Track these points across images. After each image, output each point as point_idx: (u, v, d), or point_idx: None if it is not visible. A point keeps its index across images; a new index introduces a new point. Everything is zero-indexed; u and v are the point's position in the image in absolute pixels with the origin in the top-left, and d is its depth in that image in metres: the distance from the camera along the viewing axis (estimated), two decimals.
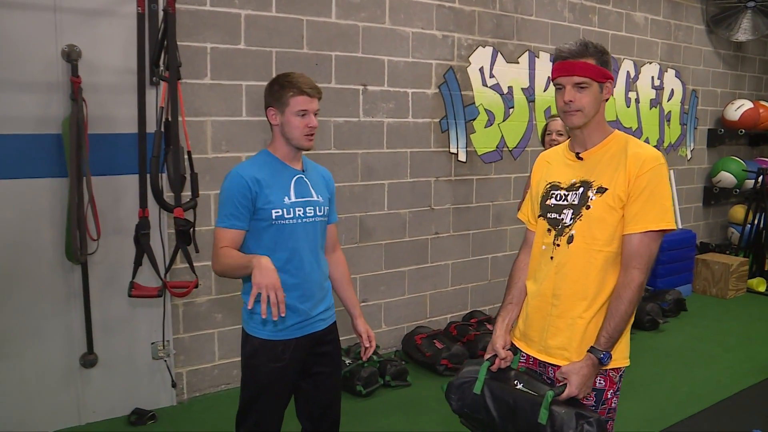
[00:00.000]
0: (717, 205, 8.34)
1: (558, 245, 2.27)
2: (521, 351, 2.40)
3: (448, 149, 5.48)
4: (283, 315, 2.30)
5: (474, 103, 5.61)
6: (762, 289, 7.42)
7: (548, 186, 2.37)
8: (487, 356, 2.40)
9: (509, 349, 2.40)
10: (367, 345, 2.84)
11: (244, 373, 2.69)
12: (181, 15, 3.92)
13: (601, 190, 2.19)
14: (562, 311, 2.25)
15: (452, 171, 5.53)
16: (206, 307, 4.39)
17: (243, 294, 2.67)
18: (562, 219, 2.27)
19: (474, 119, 5.62)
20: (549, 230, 2.31)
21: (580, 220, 2.22)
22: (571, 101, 2.20)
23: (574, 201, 2.25)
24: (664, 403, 4.48)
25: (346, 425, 3.92)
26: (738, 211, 8.17)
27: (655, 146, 7.05)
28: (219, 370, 4.48)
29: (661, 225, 2.14)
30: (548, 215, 2.32)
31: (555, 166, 2.39)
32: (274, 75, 2.72)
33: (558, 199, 2.31)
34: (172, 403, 4.26)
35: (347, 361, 4.54)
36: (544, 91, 6.09)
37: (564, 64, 2.20)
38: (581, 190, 2.25)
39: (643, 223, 2.14)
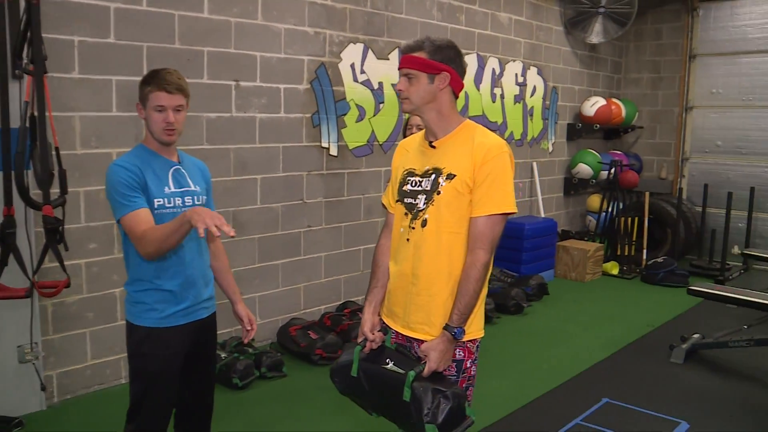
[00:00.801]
0: (576, 195, 8.89)
1: (413, 228, 2.44)
2: (391, 328, 2.56)
3: (319, 144, 5.59)
4: (233, 234, 2.32)
5: (345, 98, 5.75)
6: (615, 272, 8.00)
7: (405, 172, 2.53)
8: (358, 340, 2.55)
9: (380, 330, 2.56)
10: (249, 328, 2.93)
11: (132, 366, 2.70)
12: (46, 5, 3.81)
13: (451, 177, 2.37)
14: (421, 289, 2.43)
15: (324, 165, 5.65)
16: (77, 306, 4.29)
17: (126, 286, 2.69)
18: (417, 204, 2.44)
19: (345, 114, 5.76)
20: (406, 214, 2.47)
21: (432, 204, 2.39)
22: (400, 90, 2.42)
23: (427, 187, 2.42)
24: (527, 380, 4.79)
25: (224, 418, 4.00)
26: (594, 200, 8.76)
27: (518, 140, 7.48)
28: (92, 370, 4.40)
29: (503, 208, 2.35)
30: (405, 200, 2.49)
31: (412, 153, 2.57)
32: (145, 70, 2.74)
33: (413, 185, 2.47)
34: (42, 408, 4.13)
35: (222, 355, 4.57)
36: None
37: (401, 58, 2.42)
38: (433, 176, 2.42)
39: (487, 207, 2.34)
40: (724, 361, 5.29)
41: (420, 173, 2.47)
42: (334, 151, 5.71)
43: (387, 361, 2.43)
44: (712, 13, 9.05)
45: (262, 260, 5.27)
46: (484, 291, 2.44)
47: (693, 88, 9.25)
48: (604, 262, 8.04)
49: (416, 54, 2.38)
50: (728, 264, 8.25)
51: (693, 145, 9.28)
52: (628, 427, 4.09)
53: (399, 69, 2.45)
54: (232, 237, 2.31)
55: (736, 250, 7.89)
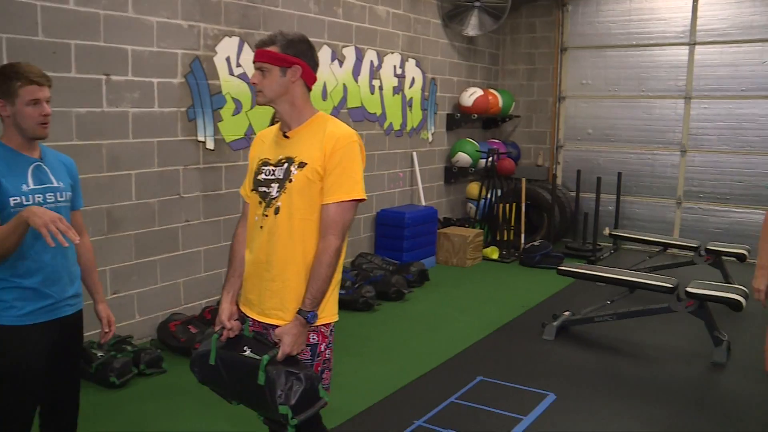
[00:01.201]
0: (457, 183, 9.16)
1: (267, 216, 2.50)
2: (248, 317, 2.61)
3: (196, 138, 5.54)
4: (77, 240, 2.31)
5: (221, 92, 5.72)
6: (495, 256, 8.31)
7: (260, 162, 2.59)
8: (216, 329, 2.59)
9: (237, 319, 2.61)
10: (107, 330, 2.92)
11: None
12: None
13: (302, 165, 2.46)
14: (275, 275, 2.50)
15: (201, 159, 5.60)
16: None
17: None
18: (270, 192, 2.50)
19: (221, 108, 5.73)
20: (260, 203, 2.54)
21: (285, 192, 2.47)
22: (254, 83, 2.49)
23: (279, 176, 2.50)
24: (406, 363, 4.93)
25: (100, 418, 3.94)
26: (473, 188, 9.05)
27: (398, 131, 7.64)
28: None
29: (352, 195, 2.46)
30: (259, 189, 2.55)
31: (267, 144, 2.63)
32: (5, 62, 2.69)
33: (267, 174, 2.54)
34: None
35: (99, 354, 4.49)
36: None
37: (255, 52, 2.50)
38: (286, 165, 2.50)
39: (337, 194, 2.44)
40: (591, 335, 5.62)
41: (274, 162, 2.54)
42: (210, 145, 5.67)
43: (244, 348, 2.49)
44: (579, 9, 9.51)
45: (139, 256, 5.18)
46: (338, 276, 2.54)
47: (565, 79, 9.70)
48: (485, 248, 8.34)
49: (269, 48, 2.46)
50: (600, 245, 8.74)
51: (566, 133, 9.74)
52: (499, 402, 4.29)
53: (253, 63, 2.52)
54: (76, 243, 2.32)
55: (606, 231, 8.35)
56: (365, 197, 2.50)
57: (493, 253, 8.33)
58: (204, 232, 5.68)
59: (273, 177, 2.51)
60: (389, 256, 7.27)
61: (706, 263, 7.05)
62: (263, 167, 2.56)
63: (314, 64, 2.55)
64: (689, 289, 5.15)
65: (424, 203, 8.10)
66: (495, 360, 5.06)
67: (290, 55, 2.46)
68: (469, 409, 4.19)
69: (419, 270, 6.91)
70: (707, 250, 6.99)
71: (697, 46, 8.81)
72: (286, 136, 2.55)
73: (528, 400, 4.34)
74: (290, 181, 2.46)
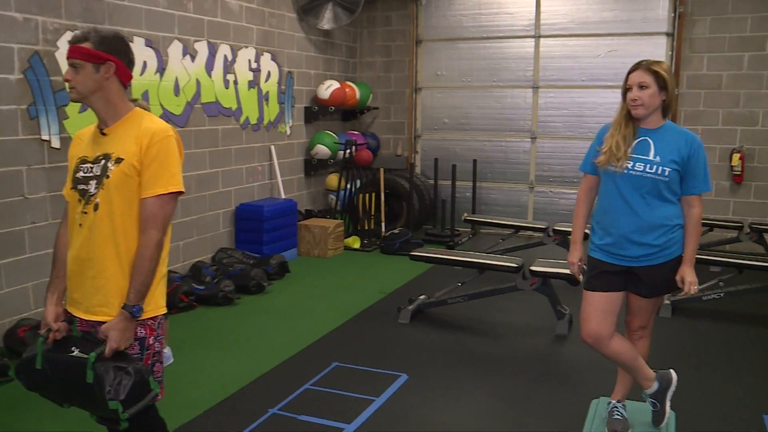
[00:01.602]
0: (317, 175, 9.22)
1: (86, 213, 2.48)
2: (75, 317, 2.57)
3: (39, 136, 5.31)
4: None
5: (65, 88, 5.51)
6: (357, 246, 8.45)
7: (78, 160, 2.57)
8: (41, 332, 2.54)
9: (65, 320, 2.56)
10: None
11: None
12: None
13: (119, 161, 2.46)
14: (97, 272, 2.48)
15: (46, 158, 5.38)
16: None
17: None
18: (89, 189, 2.49)
19: (67, 105, 5.51)
20: (79, 200, 2.52)
21: (103, 188, 2.46)
22: (67, 80, 2.48)
23: (97, 172, 2.49)
24: (264, 354, 4.95)
25: None
26: (333, 180, 9.15)
27: (255, 124, 7.61)
28: None
29: (170, 188, 2.48)
30: (78, 187, 2.53)
31: (85, 142, 2.61)
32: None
33: (85, 171, 2.53)
34: None
35: None
36: (141, 75, 6.18)
37: (68, 49, 2.48)
38: (103, 162, 2.49)
39: (155, 188, 2.46)
40: (445, 317, 5.84)
41: (91, 160, 2.53)
42: (56, 144, 5.44)
43: (72, 349, 2.45)
44: (433, 2, 9.79)
45: None
46: (162, 269, 2.55)
47: (421, 70, 9.96)
48: (346, 238, 8.46)
49: (82, 45, 2.45)
50: (458, 230, 9.06)
51: (423, 123, 10.02)
52: (353, 385, 4.40)
53: (66, 59, 2.50)
54: None
55: (465, 217, 8.66)
56: (183, 190, 2.53)
57: (355, 242, 8.47)
58: (52, 234, 5.39)
59: (91, 174, 2.50)
60: (250, 250, 7.25)
61: (554, 243, 7.45)
62: (81, 165, 2.55)
63: (129, 61, 2.56)
64: (533, 268, 5.45)
65: (283, 196, 8.11)
66: (351, 345, 5.17)
67: (103, 52, 2.45)
68: (323, 394, 4.27)
69: (279, 262, 6.94)
70: (554, 231, 7.40)
71: (541, 39, 9.29)
72: (103, 134, 2.55)
73: (381, 381, 4.47)
74: (107, 177, 2.45)
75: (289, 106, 8.51)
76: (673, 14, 8.68)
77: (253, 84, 7.79)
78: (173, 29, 6.54)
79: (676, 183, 3.28)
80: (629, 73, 3.32)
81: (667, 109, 3.34)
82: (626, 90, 3.31)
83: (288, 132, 8.51)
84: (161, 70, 6.35)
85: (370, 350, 5.08)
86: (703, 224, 7.90)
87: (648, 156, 3.26)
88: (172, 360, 4.69)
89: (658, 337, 5.43)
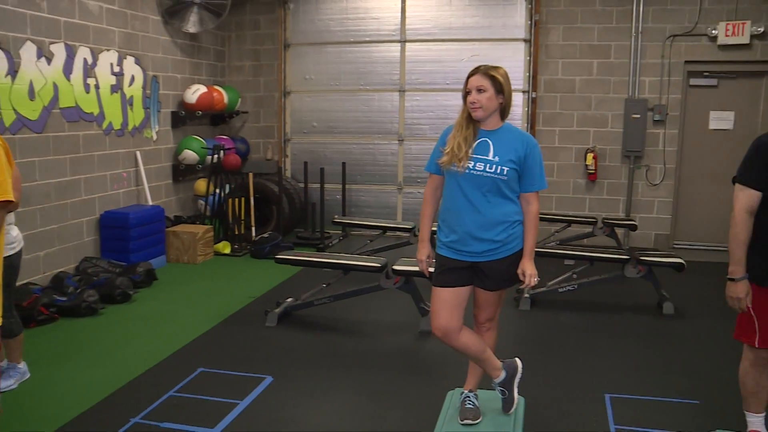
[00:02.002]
0: (185, 181, 9.12)
1: None
2: None
3: None
4: None
5: None
6: (227, 251, 8.44)
7: None
8: None
9: None
10: None
11: None
12: None
13: None
14: None
15: None
16: None
17: None
18: None
19: None
20: None
21: None
22: None
23: None
24: (127, 363, 4.89)
25: None
26: (201, 185, 9.08)
27: (119, 130, 7.45)
28: None
29: None
30: None
31: None
32: None
33: None
34: None
35: None
36: None
37: None
38: None
39: None
40: (312, 318, 5.96)
41: None
42: None
43: None
44: (300, 6, 9.88)
45: None
46: None
47: (289, 74, 10.03)
48: (216, 243, 8.43)
49: None
50: (329, 233, 9.20)
51: (293, 126, 10.10)
52: (218, 389, 4.44)
53: None
54: None
55: (335, 219, 8.80)
56: (12, 198, 2.51)
57: (225, 247, 8.45)
58: None
59: None
60: (117, 258, 7.11)
61: None
62: None
63: None
64: (396, 267, 5.64)
65: (151, 203, 7.98)
66: (217, 350, 5.20)
67: None
68: (187, 400, 4.29)
69: (146, 270, 6.84)
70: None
71: (407, 44, 9.58)
72: None
73: (246, 385, 4.53)
74: None
75: (155, 111, 8.37)
76: (529, 22, 9.17)
77: (116, 88, 7.62)
78: (25, 29, 6.29)
79: (515, 181, 3.52)
80: (468, 77, 3.54)
81: (504, 112, 3.58)
82: (466, 93, 3.53)
83: (154, 137, 8.38)
84: (13, 72, 6.11)
85: (236, 354, 5.13)
86: (561, 220, 8.44)
87: (488, 156, 3.48)
88: (28, 375, 4.55)
89: (518, 328, 5.81)
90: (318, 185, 9.22)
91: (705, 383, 4.66)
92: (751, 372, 3.46)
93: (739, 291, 3.29)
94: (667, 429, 3.99)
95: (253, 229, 8.81)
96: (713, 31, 8.58)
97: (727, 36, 8.51)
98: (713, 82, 8.84)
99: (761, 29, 8.44)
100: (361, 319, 6.01)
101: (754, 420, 3.52)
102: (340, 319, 6.00)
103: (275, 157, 10.05)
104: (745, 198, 3.26)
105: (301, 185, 9.62)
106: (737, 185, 3.31)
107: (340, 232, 9.39)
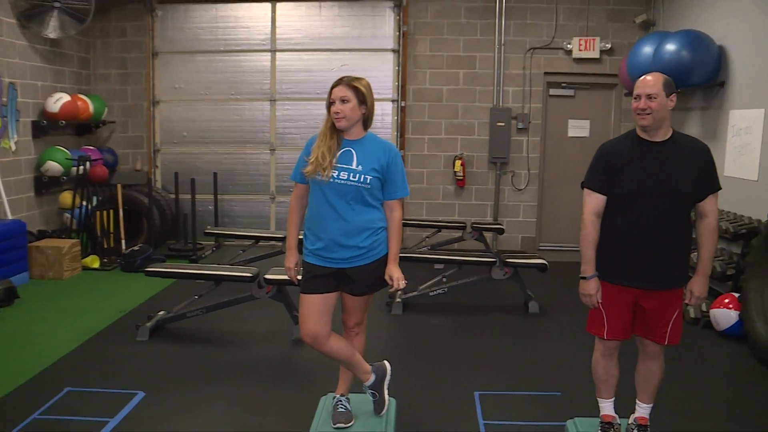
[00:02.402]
0: (49, 194, 8.73)
1: None
2: None
3: None
4: None
5: None
6: (96, 265, 8.17)
7: None
8: None
9: None
10: None
11: None
12: None
13: None
14: None
15: None
16: None
17: None
18: None
19: None
20: None
21: None
22: None
23: None
24: None
25: None
26: (66, 197, 8.73)
27: None
28: None
29: None
30: None
31: None
32: None
33: None
34: None
35: None
36: None
37: None
38: None
39: None
40: (185, 331, 5.89)
41: None
42: None
43: None
44: (169, 14, 9.72)
45: None
46: None
47: (158, 83, 9.83)
48: (84, 257, 8.13)
49: None
50: (201, 244, 9.09)
51: (163, 136, 9.89)
52: (86, 409, 4.31)
53: None
54: None
55: (207, 230, 8.70)
56: None
57: (94, 261, 8.17)
58: None
59: None
60: None
61: None
62: None
63: None
64: (267, 276, 5.67)
65: (10, 217, 7.60)
66: (85, 369, 5.04)
67: None
68: (53, 422, 4.14)
69: (6, 288, 6.52)
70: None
71: (278, 53, 9.62)
72: None
73: (116, 402, 4.42)
74: None
75: (13, 120, 7.97)
76: (398, 33, 9.43)
77: None
78: None
79: (378, 189, 3.64)
80: (332, 88, 3.64)
81: (367, 122, 3.71)
82: (330, 104, 3.63)
83: (13, 148, 7.96)
84: None
85: (106, 371, 4.99)
86: (432, 226, 8.70)
87: (351, 165, 3.59)
88: None
89: (390, 332, 5.96)
90: (188, 196, 9.08)
91: (566, 376, 4.97)
92: (601, 362, 3.74)
93: (590, 288, 3.55)
94: (531, 420, 4.24)
95: (123, 242, 8.56)
96: (568, 45, 9.15)
97: (580, 50, 9.11)
98: (570, 92, 9.42)
99: (609, 45, 9.11)
100: (234, 329, 5.99)
101: (606, 405, 3.81)
102: (214, 330, 5.95)
103: (145, 168, 9.80)
104: (592, 202, 3.53)
105: (172, 196, 9.44)
106: (585, 190, 3.58)
107: (213, 242, 9.27)
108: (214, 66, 9.71)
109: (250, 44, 9.65)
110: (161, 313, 5.89)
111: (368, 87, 3.68)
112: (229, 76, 9.70)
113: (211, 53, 9.70)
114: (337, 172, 3.57)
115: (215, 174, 9.36)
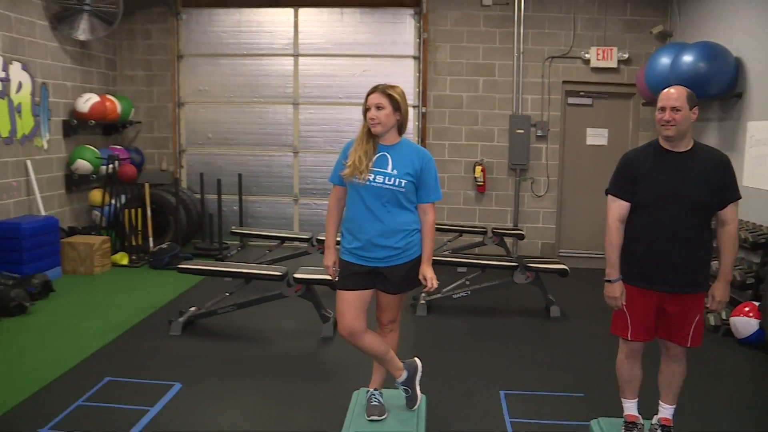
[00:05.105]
0: (79, 191, 8.96)
1: None
2: None
3: None
4: None
5: None
6: (125, 262, 8.37)
7: None
8: None
9: None
10: None
11: None
12: None
13: None
14: None
15: None
16: None
17: None
18: None
19: None
20: None
21: None
22: None
23: None
24: (28, 376, 4.81)
25: None
26: (96, 195, 8.95)
27: (6, 138, 7.29)
28: None
29: None
30: None
31: None
32: None
33: None
34: None
35: None
36: None
37: None
38: None
39: None
40: (216, 327, 6.07)
41: None
42: None
43: None
44: (193, 18, 9.93)
45: None
46: None
47: (183, 85, 10.04)
48: (113, 254, 8.34)
49: None
50: (227, 243, 9.28)
51: (188, 137, 10.10)
52: (126, 398, 4.49)
53: None
54: None
55: (232, 230, 8.90)
56: None
57: (123, 258, 8.38)
58: None
59: None
60: (9, 270, 6.90)
61: (318, 252, 7.92)
62: None
63: None
64: (296, 275, 5.85)
65: (43, 213, 7.81)
66: (123, 360, 5.23)
67: None
68: (96, 410, 4.32)
69: (42, 281, 6.72)
70: (318, 240, 7.89)
71: (300, 58, 9.80)
72: None
73: (154, 392, 4.60)
74: None
75: (45, 119, 8.19)
76: (418, 40, 9.60)
77: (2, 95, 7.41)
78: None
79: (412, 193, 3.82)
80: (368, 95, 3.84)
81: (401, 127, 3.90)
82: (366, 110, 3.82)
83: (45, 146, 8.19)
84: None
85: (143, 363, 5.17)
86: (453, 230, 8.86)
87: (387, 169, 3.77)
88: None
89: (416, 333, 6.12)
90: (215, 196, 9.28)
91: (589, 378, 5.11)
92: (625, 363, 3.88)
93: (615, 291, 3.71)
94: (556, 419, 4.39)
95: (151, 239, 8.76)
96: (586, 55, 9.31)
97: (598, 60, 9.26)
98: (588, 101, 9.57)
99: (626, 55, 9.26)
100: (264, 326, 6.16)
101: (629, 405, 3.95)
102: (244, 326, 6.13)
103: (170, 168, 10.01)
104: (616, 208, 3.70)
105: (198, 196, 9.63)
106: (609, 196, 3.75)
107: (237, 242, 9.48)
108: (238, 69, 9.91)
109: (273, 48, 9.84)
110: (192, 309, 6.07)
111: (402, 94, 3.87)
112: (252, 80, 9.90)
113: (234, 57, 9.90)
114: (373, 175, 3.74)
115: (240, 175, 9.56)
